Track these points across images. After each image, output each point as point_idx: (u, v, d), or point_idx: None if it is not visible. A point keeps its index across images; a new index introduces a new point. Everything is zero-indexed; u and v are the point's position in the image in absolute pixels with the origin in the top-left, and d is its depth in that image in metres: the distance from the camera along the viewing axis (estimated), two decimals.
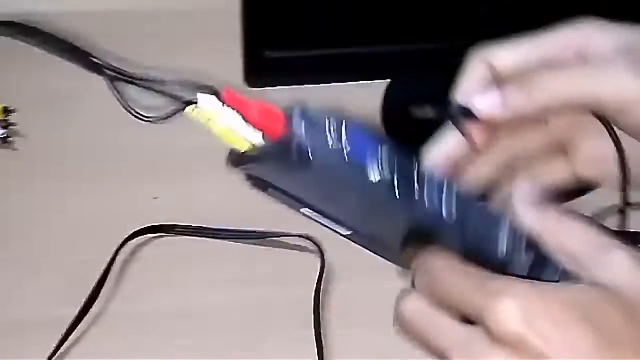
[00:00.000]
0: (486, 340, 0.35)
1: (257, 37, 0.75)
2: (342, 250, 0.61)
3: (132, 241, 0.65)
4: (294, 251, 0.65)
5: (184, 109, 0.38)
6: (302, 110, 0.38)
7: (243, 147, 0.38)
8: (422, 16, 0.75)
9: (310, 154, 0.37)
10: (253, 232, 0.65)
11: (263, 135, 0.38)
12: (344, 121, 0.38)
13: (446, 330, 0.37)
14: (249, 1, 0.76)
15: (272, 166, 0.39)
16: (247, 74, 0.74)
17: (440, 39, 0.73)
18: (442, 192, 0.41)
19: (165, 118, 0.34)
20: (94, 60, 0.74)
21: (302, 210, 0.42)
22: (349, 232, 0.43)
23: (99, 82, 0.74)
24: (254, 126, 0.38)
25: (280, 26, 0.75)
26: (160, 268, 0.65)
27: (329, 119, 0.38)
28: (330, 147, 0.38)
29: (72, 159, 0.71)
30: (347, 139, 0.38)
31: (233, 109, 0.38)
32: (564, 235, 0.39)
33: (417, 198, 0.40)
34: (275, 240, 0.65)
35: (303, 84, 0.73)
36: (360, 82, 0.73)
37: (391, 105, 0.69)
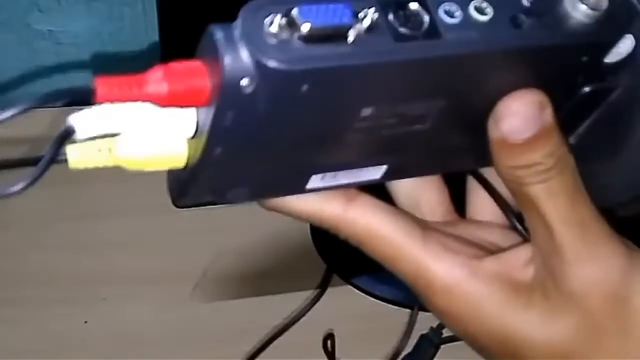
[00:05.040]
0: None
1: None
2: None
3: None
4: None
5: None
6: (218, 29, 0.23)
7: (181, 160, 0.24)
8: None
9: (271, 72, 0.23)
10: None
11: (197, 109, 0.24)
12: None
13: None
14: None
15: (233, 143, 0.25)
16: (173, 195, 0.73)
17: None
18: None
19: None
20: None
21: (310, 182, 0.28)
22: (383, 171, 0.29)
23: None
24: (175, 103, 0.24)
25: None
26: None
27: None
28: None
29: None
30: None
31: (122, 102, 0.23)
32: None
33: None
34: None
35: (230, 202, 0.73)
36: None
37: None
